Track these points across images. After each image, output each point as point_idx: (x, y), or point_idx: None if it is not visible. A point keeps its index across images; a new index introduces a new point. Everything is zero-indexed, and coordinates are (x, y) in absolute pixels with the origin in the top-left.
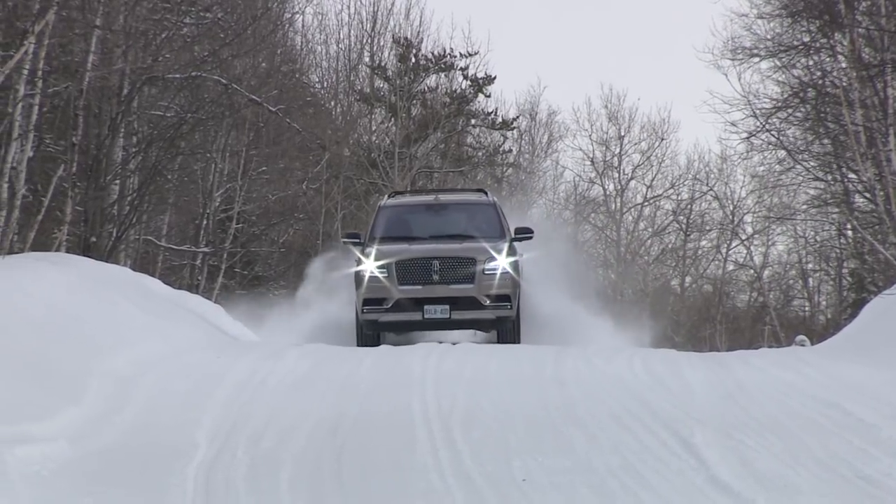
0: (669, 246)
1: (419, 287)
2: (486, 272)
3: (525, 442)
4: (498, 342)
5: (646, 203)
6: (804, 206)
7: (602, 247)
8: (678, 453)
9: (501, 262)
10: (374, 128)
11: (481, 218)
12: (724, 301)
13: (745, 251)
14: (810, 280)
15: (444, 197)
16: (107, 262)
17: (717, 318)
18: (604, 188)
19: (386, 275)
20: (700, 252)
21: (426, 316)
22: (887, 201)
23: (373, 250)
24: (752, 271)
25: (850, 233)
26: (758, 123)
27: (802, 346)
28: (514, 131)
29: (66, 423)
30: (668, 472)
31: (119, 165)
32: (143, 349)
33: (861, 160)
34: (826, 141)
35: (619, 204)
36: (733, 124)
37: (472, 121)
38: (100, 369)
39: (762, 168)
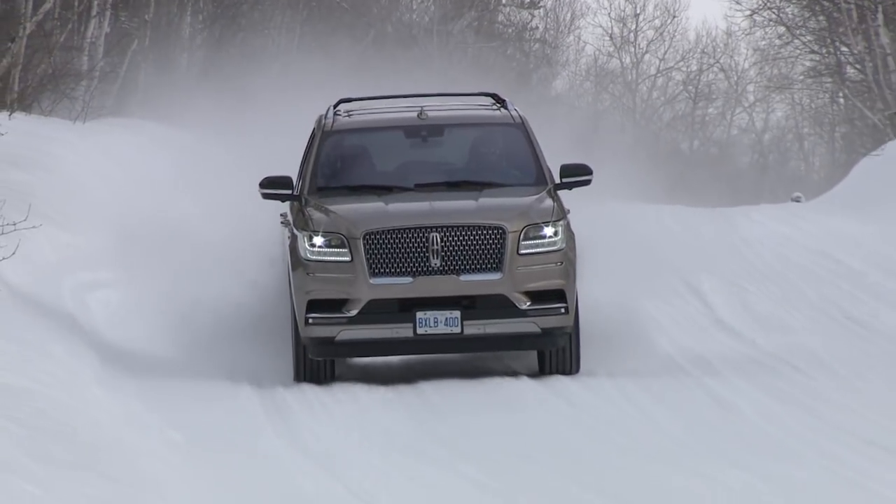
0: (680, 113)
1: (407, 280)
2: (525, 250)
3: None
4: (540, 371)
5: (658, 74)
6: (801, 77)
7: (619, 114)
8: (688, 299)
9: (549, 232)
10: (414, 6)
11: (503, 148)
12: (728, 162)
13: (747, 117)
14: (806, 143)
15: (434, 111)
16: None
17: (723, 178)
18: (621, 61)
19: (346, 257)
20: (707, 118)
21: (420, 330)
22: (875, 71)
23: (318, 212)
24: (753, 135)
25: (841, 100)
26: (760, 1)
27: (798, 202)
28: (541, 10)
29: (140, 269)
30: (679, 316)
31: (187, 40)
32: (201, 201)
33: (852, 34)
34: (821, 17)
35: (634, 75)
36: (738, 2)
37: (503, 0)
38: (161, 218)
39: (763, 42)
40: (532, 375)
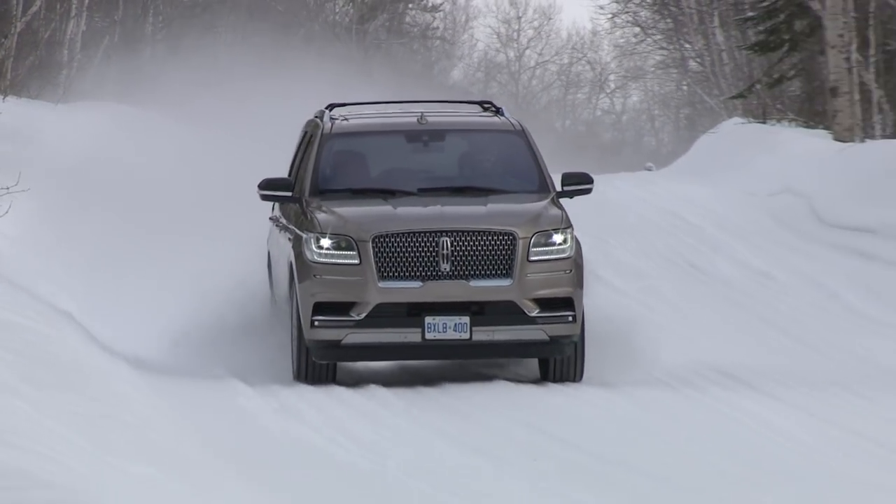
0: (554, 98)
1: (416, 284)
2: (535, 257)
3: None
4: (542, 377)
5: (537, 66)
6: (652, 68)
7: (505, 99)
8: None
9: (559, 239)
10: (337, 9)
11: (505, 155)
12: (593, 138)
13: (609, 101)
14: (656, 122)
15: (434, 117)
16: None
17: (589, 151)
18: (506, 55)
19: (355, 260)
20: (576, 102)
21: (428, 335)
22: (713, 64)
23: (324, 214)
24: (614, 116)
25: (685, 87)
26: (619, 6)
27: (650, 170)
28: (441, 12)
29: (112, 223)
30: None
31: (149, 37)
32: (161, 165)
33: (694, 34)
34: (669, 20)
35: (517, 67)
36: (601, 7)
37: (410, 4)
38: (127, 181)
39: (622, 40)
40: None
